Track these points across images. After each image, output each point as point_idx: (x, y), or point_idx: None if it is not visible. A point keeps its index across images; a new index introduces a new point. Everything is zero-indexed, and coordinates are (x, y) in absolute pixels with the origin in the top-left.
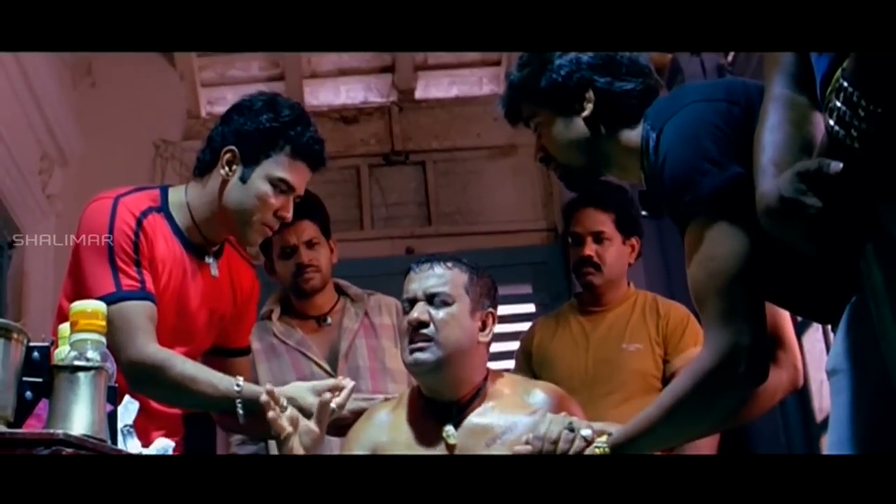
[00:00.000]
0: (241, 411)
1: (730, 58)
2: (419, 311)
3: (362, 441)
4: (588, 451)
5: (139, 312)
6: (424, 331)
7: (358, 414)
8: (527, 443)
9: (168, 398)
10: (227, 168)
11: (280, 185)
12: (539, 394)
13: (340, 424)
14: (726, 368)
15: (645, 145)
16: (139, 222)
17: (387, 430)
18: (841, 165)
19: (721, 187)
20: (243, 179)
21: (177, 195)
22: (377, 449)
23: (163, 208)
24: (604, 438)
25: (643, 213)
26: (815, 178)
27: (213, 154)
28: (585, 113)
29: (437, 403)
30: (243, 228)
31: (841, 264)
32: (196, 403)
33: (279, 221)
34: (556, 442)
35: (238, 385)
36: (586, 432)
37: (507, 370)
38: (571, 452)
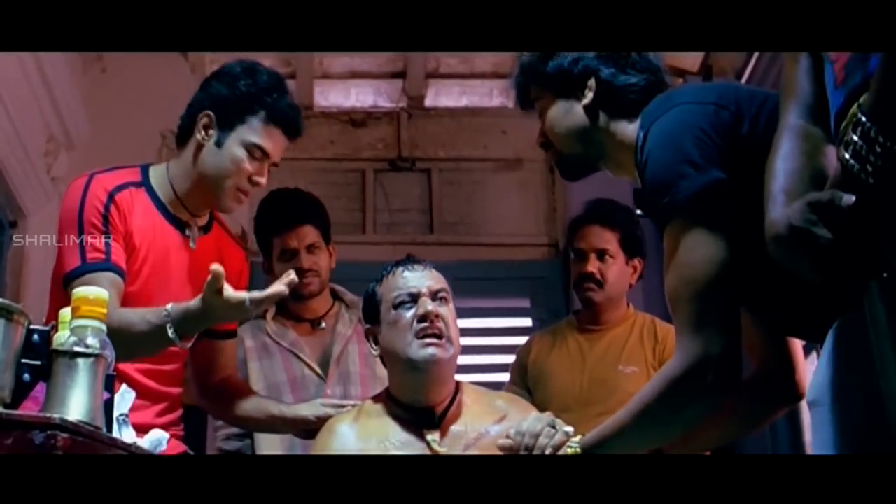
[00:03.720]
0: (171, 335)
1: (742, 81)
2: (432, 306)
3: (328, 454)
4: (560, 452)
5: (100, 282)
6: (439, 325)
7: (324, 420)
8: (507, 437)
9: (121, 354)
10: (203, 132)
11: (255, 151)
12: (501, 402)
13: (306, 428)
14: (694, 377)
15: (636, 144)
16: (111, 196)
17: (353, 441)
18: (853, 198)
19: (699, 191)
20: (219, 144)
21: (158, 171)
22: None
23: (143, 183)
24: (577, 439)
25: (637, 211)
26: (826, 210)
27: (190, 120)
28: (585, 101)
29: (415, 410)
30: (217, 193)
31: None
32: (142, 348)
33: (254, 187)
34: (537, 436)
35: (167, 310)
36: (567, 429)
37: (502, 383)
38: (552, 446)
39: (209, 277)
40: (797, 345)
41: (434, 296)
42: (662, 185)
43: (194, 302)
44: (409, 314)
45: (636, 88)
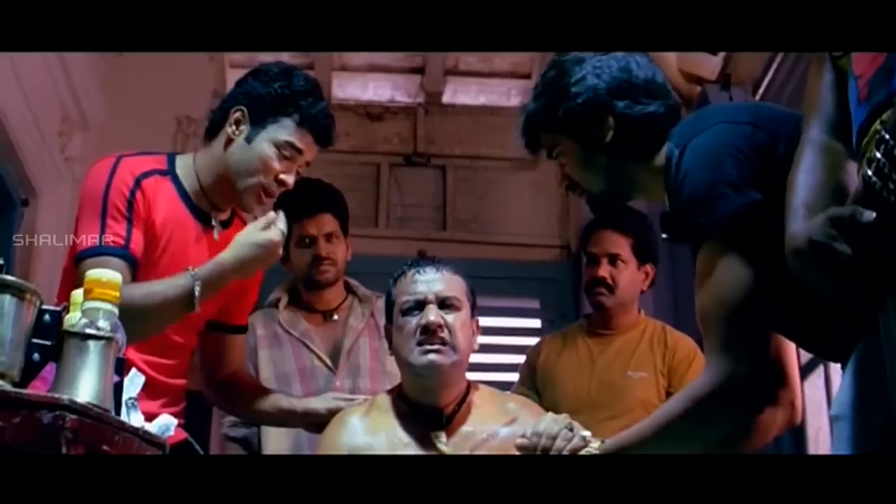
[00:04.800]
0: (198, 293)
1: (758, 97)
2: (435, 315)
3: (337, 447)
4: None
5: (112, 267)
6: (441, 334)
7: (334, 413)
8: (522, 436)
9: (145, 326)
10: (234, 127)
11: (284, 150)
12: (513, 404)
13: (316, 422)
14: (722, 395)
15: (668, 164)
16: (137, 182)
17: (362, 434)
18: (874, 215)
19: (737, 212)
20: (248, 140)
21: (185, 160)
22: (353, 453)
23: (169, 171)
24: (596, 445)
25: (663, 235)
26: (847, 225)
27: (222, 114)
28: (606, 139)
29: (424, 409)
30: (241, 189)
31: (854, 308)
32: (168, 313)
33: (280, 187)
34: (554, 438)
35: (192, 272)
36: (585, 433)
37: (509, 382)
38: (569, 450)
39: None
40: (795, 370)
41: (442, 303)
42: (700, 204)
43: (225, 254)
44: (414, 322)
45: (655, 116)
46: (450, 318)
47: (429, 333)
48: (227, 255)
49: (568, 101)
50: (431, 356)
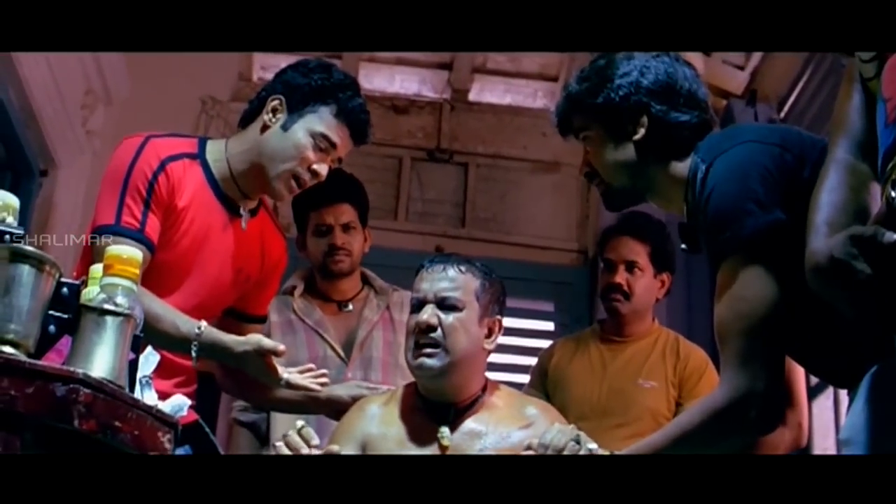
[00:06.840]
0: (194, 353)
1: (782, 114)
2: (429, 315)
3: (352, 432)
4: None
5: None
6: (433, 335)
7: (357, 400)
8: (528, 447)
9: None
10: (270, 114)
11: (320, 141)
12: (532, 409)
13: (339, 409)
14: (737, 411)
15: (692, 177)
16: (162, 165)
17: (377, 423)
18: (895, 237)
19: (762, 230)
20: (284, 127)
21: (216, 146)
22: (367, 440)
23: (199, 156)
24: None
25: (682, 246)
26: (868, 245)
27: (259, 103)
28: (636, 137)
29: (435, 404)
30: (273, 176)
31: (869, 331)
32: (155, 342)
33: (311, 178)
34: (561, 451)
35: (199, 328)
36: (592, 446)
37: (521, 384)
38: None
39: (264, 346)
40: (803, 391)
41: (441, 302)
42: (726, 220)
43: (232, 341)
44: (414, 321)
45: (689, 125)
46: (448, 318)
47: (422, 334)
48: (236, 347)
49: (609, 90)
50: (422, 359)
